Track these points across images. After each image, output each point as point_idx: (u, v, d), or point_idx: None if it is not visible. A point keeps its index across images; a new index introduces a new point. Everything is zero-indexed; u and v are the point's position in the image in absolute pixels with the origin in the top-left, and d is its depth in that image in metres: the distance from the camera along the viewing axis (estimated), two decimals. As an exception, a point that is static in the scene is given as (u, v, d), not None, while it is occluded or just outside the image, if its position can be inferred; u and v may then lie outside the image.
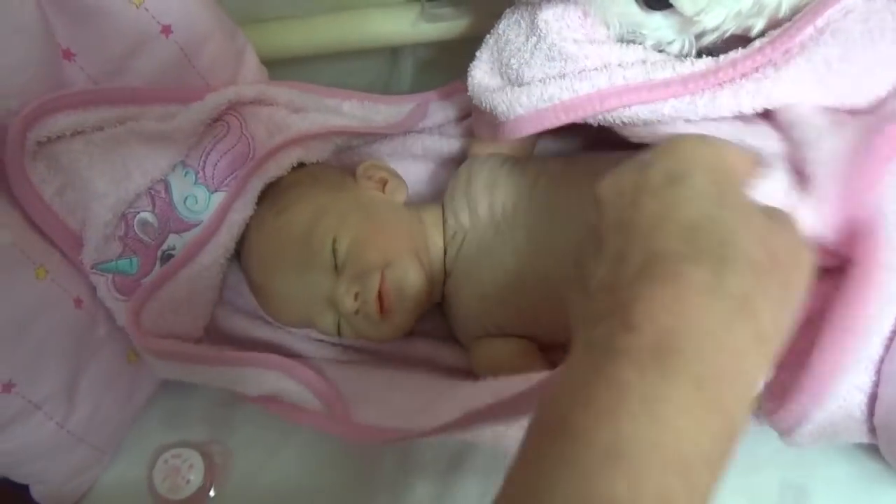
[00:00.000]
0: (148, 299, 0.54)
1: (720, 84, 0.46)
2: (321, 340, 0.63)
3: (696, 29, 0.51)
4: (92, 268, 0.53)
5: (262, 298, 0.59)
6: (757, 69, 0.45)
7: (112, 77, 0.56)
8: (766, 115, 0.47)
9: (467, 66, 0.73)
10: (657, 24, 0.52)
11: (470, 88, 0.54)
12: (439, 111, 0.71)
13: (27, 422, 0.51)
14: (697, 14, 0.49)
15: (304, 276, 0.55)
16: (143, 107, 0.56)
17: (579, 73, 0.49)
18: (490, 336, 0.56)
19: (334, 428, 0.55)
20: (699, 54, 0.53)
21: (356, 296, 0.54)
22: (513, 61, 0.51)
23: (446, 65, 0.82)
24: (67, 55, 0.54)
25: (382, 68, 0.88)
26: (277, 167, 0.58)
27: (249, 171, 0.57)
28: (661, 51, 0.53)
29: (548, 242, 0.53)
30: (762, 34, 0.49)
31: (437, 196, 0.68)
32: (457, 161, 0.70)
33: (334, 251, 0.54)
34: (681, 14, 0.50)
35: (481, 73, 0.53)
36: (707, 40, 0.52)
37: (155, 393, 0.63)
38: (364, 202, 0.58)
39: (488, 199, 0.56)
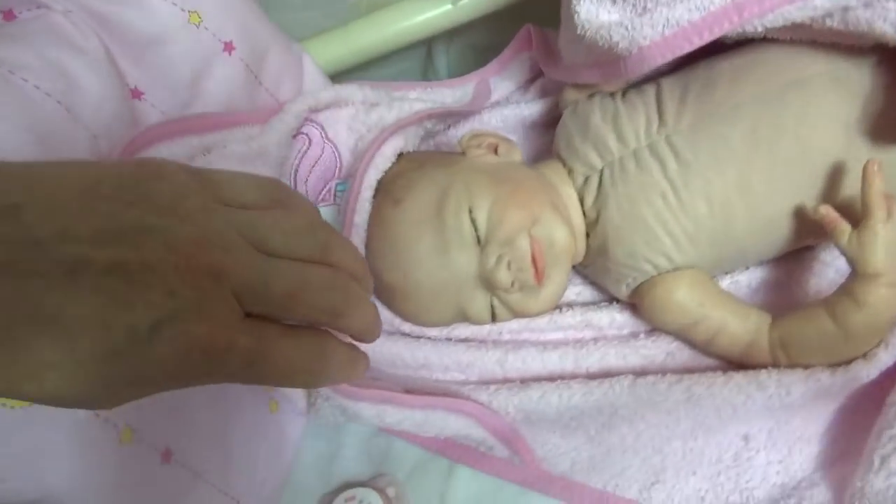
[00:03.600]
0: None
1: None
2: (465, 340, 0.57)
3: None
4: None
5: (402, 301, 0.53)
6: None
7: (185, 107, 0.51)
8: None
9: (499, 47, 0.70)
10: None
11: (579, 27, 0.49)
12: (501, 84, 0.67)
13: (192, 493, 0.45)
14: None
15: (445, 259, 0.50)
16: (225, 132, 0.52)
17: None
18: (658, 275, 0.51)
19: (517, 475, 0.52)
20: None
21: (509, 265, 0.48)
22: None
23: (476, 55, 0.79)
24: (136, 94, 0.50)
25: (417, 68, 0.86)
26: (384, 159, 0.54)
27: (364, 168, 0.52)
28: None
29: (701, 158, 0.48)
30: None
31: (530, 163, 0.64)
32: (539, 124, 0.67)
33: (473, 223, 0.49)
34: None
35: (590, 5, 0.49)
36: None
37: (301, 441, 0.57)
38: (485, 168, 0.53)
39: (615, 131, 0.51)
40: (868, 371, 0.45)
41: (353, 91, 0.59)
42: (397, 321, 0.57)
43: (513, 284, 0.49)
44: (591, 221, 0.53)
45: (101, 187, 0.24)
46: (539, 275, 0.49)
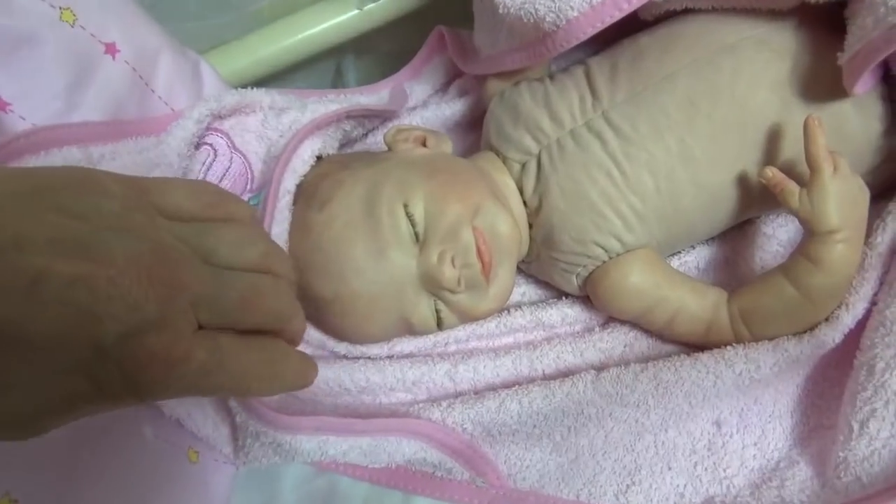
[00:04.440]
0: None
1: None
2: (410, 356, 0.51)
3: None
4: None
5: (337, 316, 0.47)
6: None
7: (62, 118, 0.44)
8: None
9: (411, 57, 0.68)
10: None
11: (500, 6, 0.47)
12: (417, 88, 0.64)
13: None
14: None
15: (382, 263, 0.44)
16: (114, 143, 0.45)
17: None
18: (609, 259, 0.48)
19: (481, 497, 0.47)
20: None
21: (452, 261, 0.44)
22: None
23: (387, 67, 0.77)
24: (0, 105, 0.42)
25: (327, 84, 0.82)
26: (301, 162, 0.48)
27: (280, 172, 0.47)
28: None
29: (641, 130, 0.46)
30: None
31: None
32: (462, 124, 0.63)
33: (409, 220, 0.45)
34: None
35: None
36: None
37: (230, 494, 0.49)
38: (416, 160, 0.49)
39: (548, 112, 0.48)
40: (833, 335, 0.44)
41: (260, 95, 0.53)
42: (331, 342, 0.51)
43: (459, 282, 0.44)
44: (532, 211, 0.49)
45: (40, 197, 0.24)
46: (486, 268, 0.45)
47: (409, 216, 0.45)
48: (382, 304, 0.46)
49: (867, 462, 0.41)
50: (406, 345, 0.51)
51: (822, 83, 0.45)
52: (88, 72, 0.45)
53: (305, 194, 0.48)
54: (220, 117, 0.52)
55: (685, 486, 0.46)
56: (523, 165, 0.49)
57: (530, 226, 0.50)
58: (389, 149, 0.51)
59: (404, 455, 0.46)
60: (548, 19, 0.45)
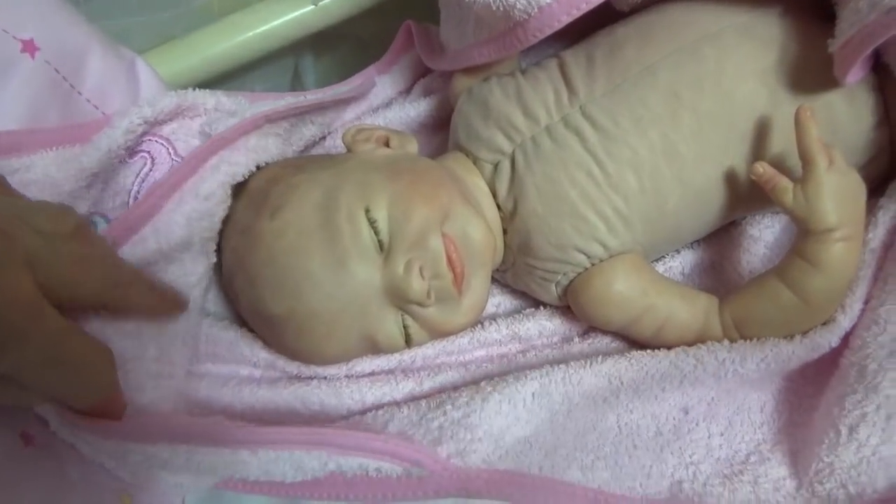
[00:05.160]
0: None
1: None
2: (371, 375, 0.47)
3: None
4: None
5: (293, 336, 0.42)
6: None
7: (-29, 124, 0.39)
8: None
9: (372, 59, 0.64)
10: None
11: None
12: (384, 86, 0.60)
13: None
14: None
15: (343, 275, 0.40)
16: (30, 155, 0.40)
17: None
18: (592, 266, 0.44)
19: (425, 488, 0.40)
20: None
21: (421, 271, 0.40)
22: None
23: (348, 69, 0.73)
24: None
25: (285, 88, 0.77)
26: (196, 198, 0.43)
27: (176, 182, 0.42)
28: None
29: (622, 125, 0.43)
30: None
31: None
32: (429, 125, 0.60)
33: (372, 227, 0.40)
34: None
35: None
36: None
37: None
38: (378, 161, 0.44)
39: (521, 108, 0.45)
40: (830, 338, 0.41)
41: (203, 97, 0.48)
42: (281, 362, 0.46)
43: (428, 295, 0.40)
44: (507, 215, 0.45)
45: None
46: (458, 279, 0.41)
47: (372, 222, 0.40)
48: (343, 322, 0.41)
49: (854, 470, 0.37)
50: (367, 363, 0.47)
51: (811, 73, 0.42)
52: (2, 73, 0.40)
53: (255, 201, 0.44)
54: (159, 123, 0.47)
55: (651, 466, 0.41)
56: (496, 166, 0.46)
57: (505, 231, 0.46)
58: (349, 150, 0.47)
59: (314, 469, 0.39)
60: (518, 7, 0.41)
